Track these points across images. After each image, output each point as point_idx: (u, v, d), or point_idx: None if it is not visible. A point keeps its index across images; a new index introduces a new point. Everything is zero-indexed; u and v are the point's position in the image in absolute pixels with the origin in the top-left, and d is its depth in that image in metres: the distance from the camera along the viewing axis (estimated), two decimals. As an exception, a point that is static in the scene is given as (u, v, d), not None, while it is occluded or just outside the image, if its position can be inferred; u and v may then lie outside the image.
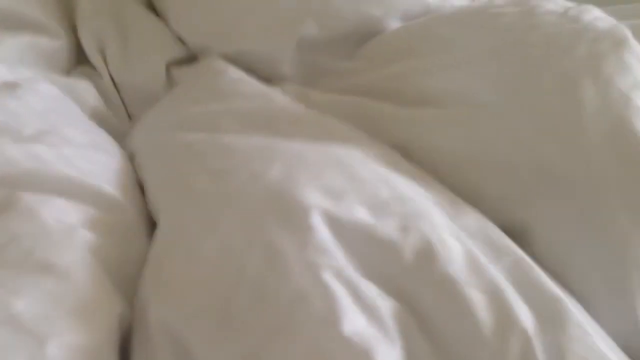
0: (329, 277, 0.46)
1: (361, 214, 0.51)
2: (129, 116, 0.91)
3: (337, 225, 0.49)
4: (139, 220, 0.63)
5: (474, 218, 0.55)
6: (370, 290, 0.47)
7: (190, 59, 0.96)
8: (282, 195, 0.52)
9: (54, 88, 0.84)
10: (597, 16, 0.62)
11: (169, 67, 0.94)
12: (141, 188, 0.69)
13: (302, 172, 0.55)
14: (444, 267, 0.47)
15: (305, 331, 0.43)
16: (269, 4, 0.85)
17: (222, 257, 0.49)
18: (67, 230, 0.55)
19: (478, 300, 0.45)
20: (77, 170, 0.61)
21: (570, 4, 0.68)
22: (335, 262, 0.47)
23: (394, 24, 0.80)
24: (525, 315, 0.46)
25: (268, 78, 0.87)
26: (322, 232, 0.49)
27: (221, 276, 0.48)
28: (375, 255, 0.49)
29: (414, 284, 0.47)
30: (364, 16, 0.80)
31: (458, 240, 0.50)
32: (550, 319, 0.46)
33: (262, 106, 0.79)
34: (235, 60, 0.88)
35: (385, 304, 0.46)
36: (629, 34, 0.58)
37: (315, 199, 0.51)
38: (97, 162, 0.68)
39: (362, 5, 0.80)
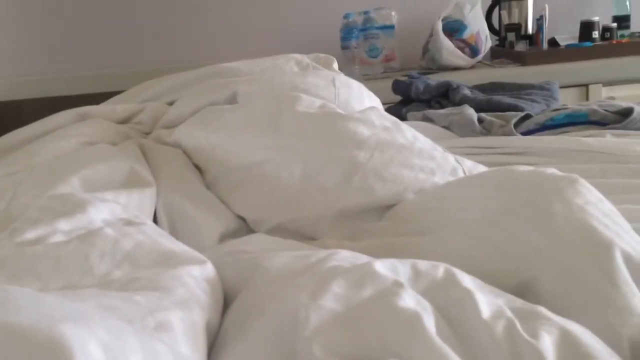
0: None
1: None
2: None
3: None
4: None
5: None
6: None
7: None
8: None
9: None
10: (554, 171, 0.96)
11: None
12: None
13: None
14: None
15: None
16: (319, 182, 1.16)
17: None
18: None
19: None
20: None
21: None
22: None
23: (410, 196, 1.12)
24: None
25: (312, 237, 1.14)
26: None
27: None
28: None
29: None
30: (390, 193, 1.11)
31: None
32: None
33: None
34: (286, 226, 1.16)
35: None
36: (578, 176, 0.92)
37: None
38: None
39: (388, 185, 1.12)
